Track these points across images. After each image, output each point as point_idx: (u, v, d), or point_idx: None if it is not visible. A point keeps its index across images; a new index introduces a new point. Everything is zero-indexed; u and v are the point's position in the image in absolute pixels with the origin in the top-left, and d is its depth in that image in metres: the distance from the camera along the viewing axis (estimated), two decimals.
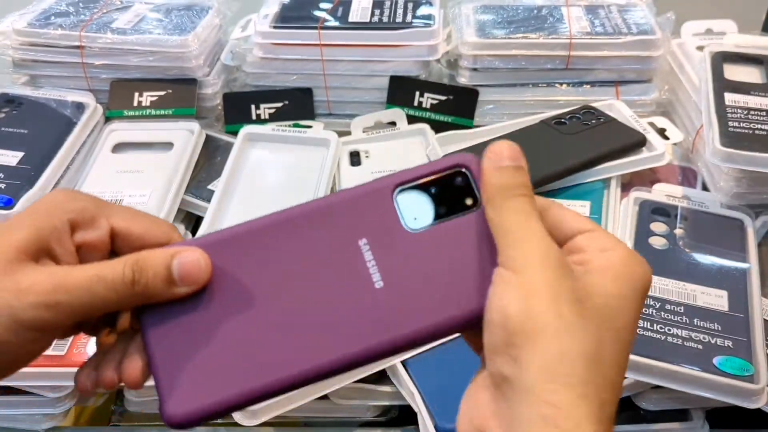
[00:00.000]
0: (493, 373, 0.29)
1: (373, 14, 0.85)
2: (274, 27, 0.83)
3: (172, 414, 0.30)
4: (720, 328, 0.57)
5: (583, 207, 0.69)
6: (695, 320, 0.58)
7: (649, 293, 0.59)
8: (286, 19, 0.85)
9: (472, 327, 0.31)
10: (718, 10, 0.92)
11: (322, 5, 0.87)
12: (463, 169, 0.32)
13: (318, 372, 0.30)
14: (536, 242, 0.30)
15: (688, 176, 0.77)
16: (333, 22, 0.84)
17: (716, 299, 0.60)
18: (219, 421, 0.60)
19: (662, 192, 0.71)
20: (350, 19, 0.84)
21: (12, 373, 0.32)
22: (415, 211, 0.32)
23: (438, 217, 0.32)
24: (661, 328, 0.57)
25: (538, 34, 0.83)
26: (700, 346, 0.56)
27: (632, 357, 0.54)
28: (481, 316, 0.30)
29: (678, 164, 0.78)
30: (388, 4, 0.87)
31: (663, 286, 0.60)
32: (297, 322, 0.31)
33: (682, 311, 0.58)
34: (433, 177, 0.33)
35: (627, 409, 0.59)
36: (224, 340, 0.31)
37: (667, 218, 0.67)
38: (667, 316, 0.58)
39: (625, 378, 0.56)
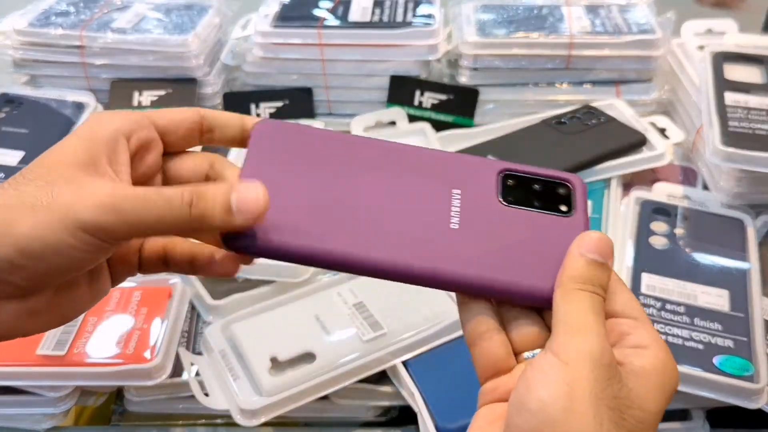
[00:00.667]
0: None
1: (373, 13, 0.85)
2: (274, 26, 0.83)
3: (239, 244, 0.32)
4: (720, 328, 0.57)
5: None
6: (696, 320, 0.58)
7: (651, 293, 0.59)
8: (286, 18, 0.85)
9: (518, 302, 0.33)
10: (718, 10, 0.92)
11: (322, 4, 0.87)
12: (569, 184, 0.35)
13: (378, 267, 0.32)
14: (593, 339, 0.29)
15: (688, 176, 0.77)
16: (333, 22, 0.84)
17: (717, 299, 0.59)
18: (218, 421, 0.60)
19: (663, 192, 0.71)
20: (350, 19, 0.84)
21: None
22: (513, 194, 0.35)
23: (530, 205, 0.35)
24: (661, 328, 0.57)
25: (539, 33, 0.83)
26: (700, 346, 0.56)
27: None
28: (536, 297, 0.32)
29: (678, 164, 0.78)
30: (388, 3, 0.87)
31: (663, 286, 0.60)
32: (377, 219, 0.33)
33: (682, 311, 0.58)
34: (540, 177, 0.36)
35: None
36: (314, 201, 0.33)
37: (667, 218, 0.67)
38: (668, 316, 0.58)
39: None
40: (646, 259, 0.63)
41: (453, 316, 0.60)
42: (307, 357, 0.58)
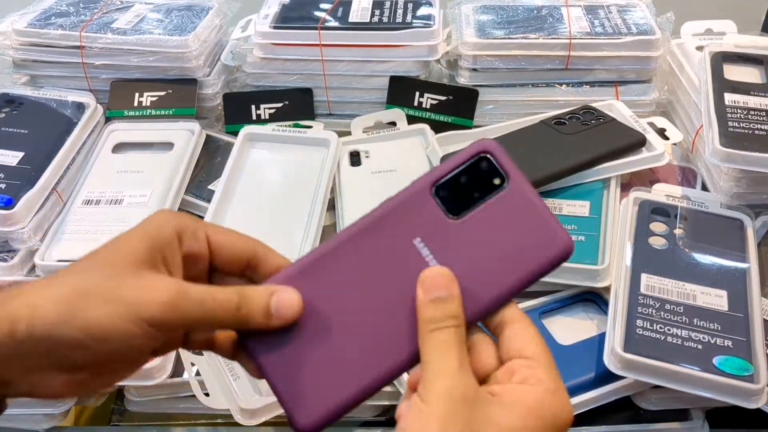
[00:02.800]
0: None
1: (373, 14, 0.85)
2: (274, 27, 0.83)
3: (304, 425, 0.35)
4: (720, 328, 0.57)
5: (582, 207, 0.69)
6: (695, 320, 0.58)
7: (649, 293, 0.59)
8: (286, 19, 0.85)
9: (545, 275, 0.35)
10: (717, 10, 0.92)
11: (322, 5, 0.87)
12: (485, 155, 0.36)
13: (415, 357, 0.35)
14: (444, 379, 0.33)
15: (687, 176, 0.77)
16: (333, 23, 0.84)
17: (716, 299, 0.60)
18: (219, 420, 0.61)
19: (662, 192, 0.71)
20: (350, 20, 0.84)
21: (130, 374, 0.37)
22: (453, 204, 0.36)
23: (472, 202, 0.36)
24: (660, 328, 0.57)
25: (538, 34, 0.83)
26: (699, 346, 0.56)
27: (632, 357, 0.54)
28: (555, 261, 0.35)
29: (678, 164, 0.78)
30: (388, 4, 0.87)
31: (662, 286, 0.60)
32: (382, 321, 0.36)
33: (681, 311, 0.58)
34: (460, 168, 0.36)
35: (627, 409, 0.59)
36: (327, 350, 0.36)
37: (666, 218, 0.67)
38: (667, 316, 0.58)
39: (625, 378, 0.56)
40: (645, 260, 0.63)
41: None
42: None
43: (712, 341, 0.56)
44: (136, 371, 0.38)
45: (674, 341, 0.56)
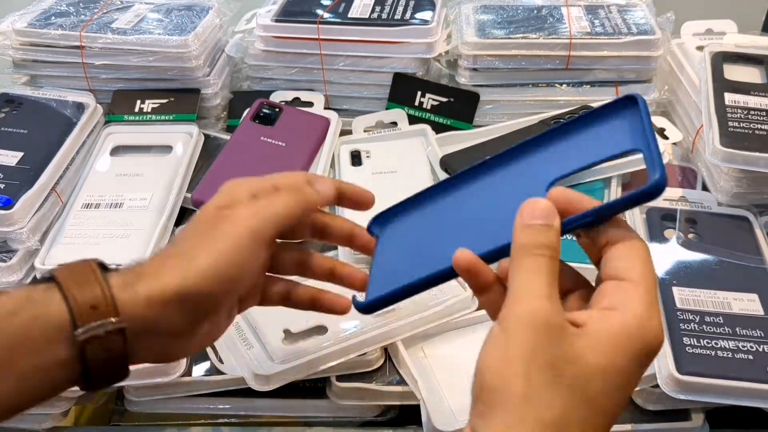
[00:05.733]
0: (470, 411, 0.32)
1: (373, 11, 0.86)
2: (276, 20, 0.84)
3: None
4: (763, 334, 0.56)
5: None
6: (737, 329, 0.56)
7: (686, 307, 0.58)
8: (288, 13, 0.86)
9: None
10: (718, 10, 0.92)
11: (324, 2, 0.88)
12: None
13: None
14: (529, 303, 0.31)
15: (687, 176, 0.77)
16: (332, 18, 0.84)
17: (750, 304, 0.58)
18: (220, 420, 0.61)
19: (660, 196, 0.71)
20: (350, 15, 0.85)
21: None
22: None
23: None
24: (707, 343, 0.55)
25: (538, 34, 0.83)
26: (750, 356, 0.54)
27: (690, 378, 0.53)
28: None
29: (678, 164, 0.78)
30: (389, 1, 0.88)
31: (696, 298, 0.59)
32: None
33: (722, 322, 0.57)
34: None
35: (627, 408, 0.59)
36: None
37: (677, 224, 0.67)
38: (710, 329, 0.56)
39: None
40: (671, 272, 0.62)
41: (459, 295, 0.62)
42: (319, 329, 0.60)
43: (760, 349, 0.55)
44: (227, 325, 0.43)
45: (725, 355, 0.54)
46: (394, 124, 0.84)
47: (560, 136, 0.41)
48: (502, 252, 0.35)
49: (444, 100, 0.84)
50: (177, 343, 0.40)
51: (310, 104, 0.85)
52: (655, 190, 0.34)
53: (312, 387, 0.60)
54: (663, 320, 0.56)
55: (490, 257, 0.36)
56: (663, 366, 0.54)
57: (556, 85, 0.84)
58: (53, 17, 0.85)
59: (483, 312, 0.63)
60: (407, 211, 0.46)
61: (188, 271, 0.38)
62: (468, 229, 0.40)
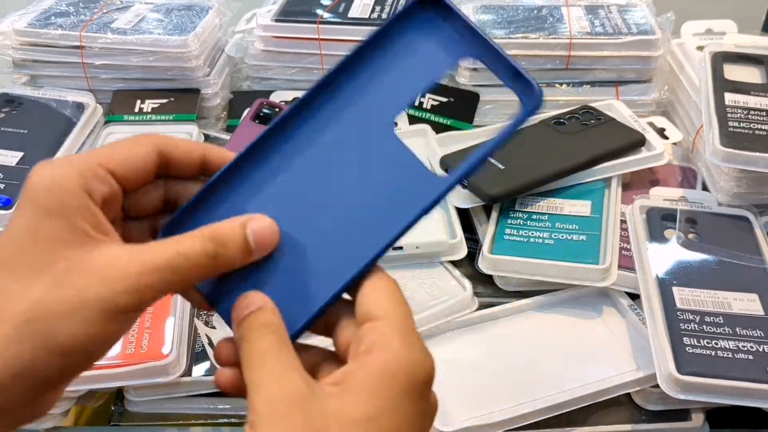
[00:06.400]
0: None
1: (373, 10, 0.86)
2: (276, 20, 0.84)
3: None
4: (763, 334, 0.56)
5: (584, 206, 0.69)
6: (737, 329, 0.56)
7: (686, 307, 0.58)
8: (287, 13, 0.87)
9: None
10: (718, 10, 0.92)
11: (324, 2, 0.88)
12: None
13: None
14: (266, 389, 0.28)
15: (687, 176, 0.77)
16: (332, 17, 0.85)
17: (750, 304, 0.58)
18: (223, 420, 0.61)
19: (660, 196, 0.71)
20: (350, 15, 0.86)
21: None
22: None
23: None
24: (708, 343, 0.55)
25: (538, 34, 0.83)
26: (750, 356, 0.54)
27: (690, 378, 0.52)
28: None
29: (678, 164, 0.78)
30: (389, 1, 0.88)
31: (696, 298, 0.59)
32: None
33: (722, 322, 0.57)
34: None
35: (627, 408, 0.59)
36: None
37: (678, 224, 0.67)
38: (710, 329, 0.56)
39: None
40: (671, 272, 0.61)
41: (459, 295, 0.62)
42: None
43: (760, 349, 0.55)
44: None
45: (725, 355, 0.54)
46: (395, 123, 0.84)
47: (366, 63, 0.34)
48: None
49: (444, 100, 0.84)
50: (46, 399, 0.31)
51: None
52: (537, 104, 0.31)
53: None
54: (663, 320, 0.56)
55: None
56: (663, 366, 0.54)
57: (556, 85, 0.84)
58: (53, 17, 0.85)
59: (483, 312, 0.64)
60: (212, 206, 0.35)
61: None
62: (333, 217, 0.33)
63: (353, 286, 0.32)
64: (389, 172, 0.33)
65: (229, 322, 0.33)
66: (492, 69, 0.33)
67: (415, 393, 0.29)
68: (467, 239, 0.67)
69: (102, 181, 0.31)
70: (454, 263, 0.66)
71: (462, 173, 0.32)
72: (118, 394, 0.62)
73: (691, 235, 0.66)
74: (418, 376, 0.29)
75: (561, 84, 0.84)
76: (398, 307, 0.30)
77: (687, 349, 0.55)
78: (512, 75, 0.32)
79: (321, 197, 0.33)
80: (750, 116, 0.70)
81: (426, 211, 0.32)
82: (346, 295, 0.33)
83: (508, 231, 0.67)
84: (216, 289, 0.34)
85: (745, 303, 0.59)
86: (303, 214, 0.33)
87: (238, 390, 0.31)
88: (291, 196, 0.34)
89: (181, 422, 0.60)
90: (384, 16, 0.85)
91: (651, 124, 0.80)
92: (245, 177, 0.34)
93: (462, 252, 0.66)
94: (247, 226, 0.32)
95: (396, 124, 0.34)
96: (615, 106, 0.81)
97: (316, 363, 0.32)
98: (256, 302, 0.31)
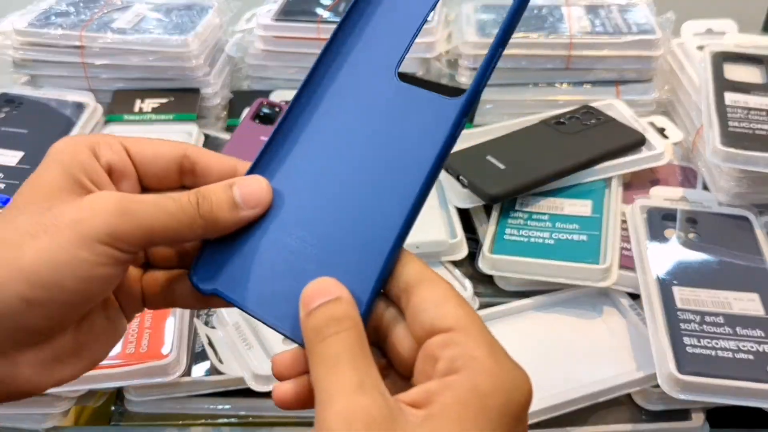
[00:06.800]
0: None
1: None
2: (276, 20, 0.84)
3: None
4: (763, 334, 0.56)
5: (584, 206, 0.69)
6: (737, 329, 0.56)
7: (687, 307, 0.58)
8: (288, 13, 0.87)
9: None
10: (718, 10, 0.92)
11: (324, 1, 0.88)
12: None
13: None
14: (340, 404, 0.25)
15: (688, 176, 0.77)
16: (332, 17, 0.85)
17: (750, 303, 0.58)
18: (223, 420, 0.61)
19: (660, 196, 0.71)
20: None
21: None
22: None
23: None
24: (708, 343, 0.55)
25: (539, 33, 0.83)
26: (750, 356, 0.54)
27: (691, 378, 0.52)
28: None
29: (678, 164, 0.78)
30: None
31: (697, 298, 0.59)
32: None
33: (722, 322, 0.57)
34: None
35: (627, 408, 0.59)
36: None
37: (677, 224, 0.67)
38: (711, 329, 0.56)
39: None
40: (671, 271, 0.61)
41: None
42: None
43: (761, 349, 0.55)
44: (117, 335, 0.32)
45: (725, 355, 0.54)
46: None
47: (359, 18, 0.34)
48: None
49: None
50: (24, 360, 0.28)
51: None
52: None
53: None
54: (663, 320, 0.56)
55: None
56: (663, 366, 0.54)
57: (557, 84, 0.84)
58: (53, 17, 0.85)
59: (483, 312, 0.63)
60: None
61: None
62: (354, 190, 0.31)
63: (403, 239, 0.30)
64: (404, 115, 0.32)
65: (260, 313, 0.31)
66: None
67: (512, 419, 0.25)
68: (467, 239, 0.67)
69: (112, 149, 0.31)
70: (455, 263, 0.66)
71: (474, 86, 0.33)
72: (118, 394, 0.62)
73: (691, 235, 0.66)
74: (515, 399, 0.25)
75: (561, 83, 0.84)
76: (472, 315, 0.27)
77: (687, 348, 0.55)
78: None
79: (345, 160, 0.32)
80: (750, 116, 0.70)
81: (453, 136, 0.32)
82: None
83: (508, 231, 0.67)
84: (241, 279, 0.31)
85: (746, 303, 0.59)
86: (330, 182, 0.32)
87: (302, 404, 0.29)
88: (314, 166, 0.32)
89: (181, 422, 0.60)
90: None
91: (651, 124, 0.80)
92: (271, 165, 0.33)
93: (462, 252, 0.66)
94: (235, 183, 0.31)
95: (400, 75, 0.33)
96: (615, 106, 0.81)
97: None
98: (332, 291, 0.28)
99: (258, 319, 0.31)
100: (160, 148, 0.32)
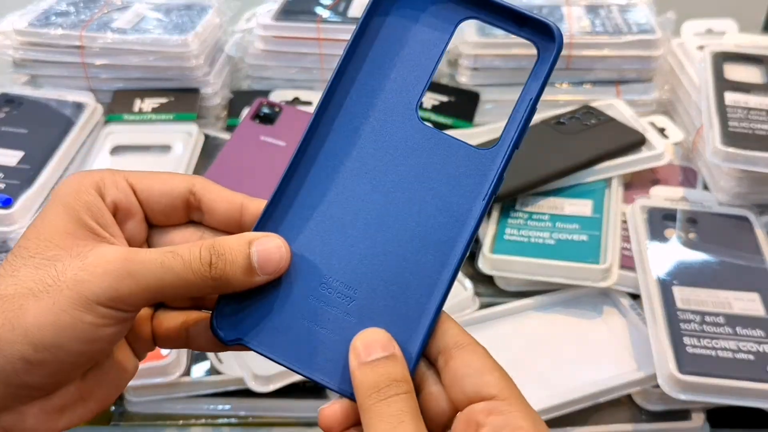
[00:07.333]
0: None
1: None
2: (276, 20, 0.85)
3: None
4: (764, 334, 0.56)
5: (585, 206, 0.69)
6: (737, 329, 0.56)
7: (687, 307, 0.58)
8: (287, 13, 0.87)
9: None
10: (718, 10, 0.92)
11: (324, 1, 0.88)
12: None
13: None
14: None
15: (688, 176, 0.77)
16: (332, 17, 0.85)
17: (750, 303, 0.59)
18: (223, 420, 0.61)
19: (660, 196, 0.71)
20: (349, 14, 0.86)
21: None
22: None
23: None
24: (708, 343, 0.55)
25: None
26: (751, 357, 0.54)
27: (691, 378, 0.52)
28: None
29: (678, 164, 0.78)
30: None
31: (697, 298, 0.59)
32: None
33: (723, 322, 0.57)
34: None
35: (627, 408, 0.59)
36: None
37: (678, 224, 0.67)
38: (711, 329, 0.56)
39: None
40: (671, 271, 0.62)
41: (459, 295, 0.62)
42: None
43: (761, 349, 0.55)
44: (126, 378, 0.31)
45: (725, 355, 0.54)
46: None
47: (366, 56, 0.32)
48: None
49: (445, 99, 0.84)
50: (31, 413, 0.28)
51: (310, 104, 0.85)
52: (560, 44, 0.30)
53: (312, 387, 0.60)
54: (664, 320, 0.56)
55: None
56: (663, 366, 0.54)
57: (557, 84, 0.84)
58: (53, 17, 0.85)
59: (484, 312, 0.63)
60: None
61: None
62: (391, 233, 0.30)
63: (447, 297, 0.30)
64: (437, 162, 0.31)
65: (296, 364, 0.30)
66: (496, 24, 0.31)
67: None
68: None
69: (117, 187, 0.31)
70: None
71: (513, 139, 0.32)
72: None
73: (691, 235, 0.66)
74: None
75: (561, 83, 0.84)
76: (515, 386, 0.28)
77: (687, 349, 0.55)
78: (520, 22, 0.31)
79: (376, 207, 0.31)
80: (750, 116, 0.70)
81: (494, 190, 0.31)
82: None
83: (508, 231, 0.67)
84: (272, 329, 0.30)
85: (746, 303, 0.59)
86: (362, 230, 0.31)
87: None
88: (341, 211, 0.31)
89: (181, 422, 0.60)
90: None
91: (651, 124, 0.80)
92: (285, 216, 0.31)
93: None
94: (253, 244, 0.29)
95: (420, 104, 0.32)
96: (615, 106, 0.81)
97: None
98: (387, 345, 0.28)
99: (295, 371, 0.30)
100: (166, 185, 0.32)
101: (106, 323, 0.27)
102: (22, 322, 0.26)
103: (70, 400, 0.29)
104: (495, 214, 0.69)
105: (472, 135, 0.80)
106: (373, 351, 0.28)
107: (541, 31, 0.31)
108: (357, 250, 0.30)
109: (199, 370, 0.60)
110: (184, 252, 0.28)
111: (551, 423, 0.56)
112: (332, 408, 0.29)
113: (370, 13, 0.32)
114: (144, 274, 0.27)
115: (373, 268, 0.30)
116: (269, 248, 0.29)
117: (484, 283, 0.67)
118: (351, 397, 0.29)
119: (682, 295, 0.59)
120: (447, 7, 0.32)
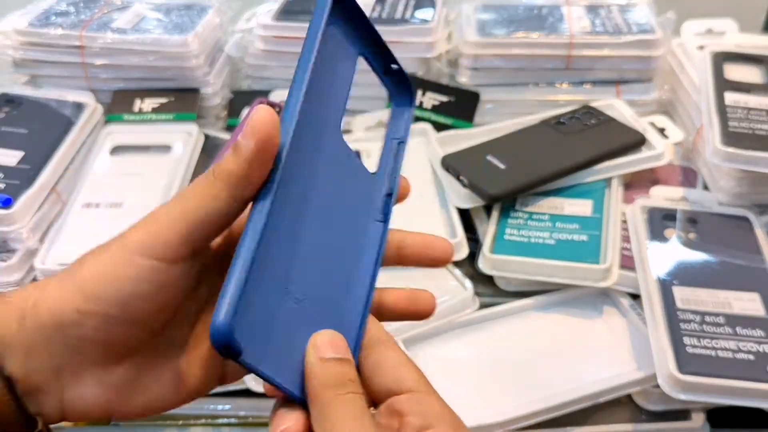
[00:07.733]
0: None
1: (374, 9, 0.86)
2: (276, 20, 0.85)
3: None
4: (764, 334, 0.56)
5: (585, 206, 0.69)
6: (737, 329, 0.56)
7: (687, 307, 0.58)
8: (288, 12, 0.87)
9: None
10: (718, 10, 0.92)
11: None
12: None
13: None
14: None
15: (688, 176, 0.77)
16: None
17: (750, 303, 0.58)
18: (223, 420, 0.61)
19: (660, 196, 0.71)
20: None
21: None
22: None
23: None
24: (708, 343, 0.55)
25: (539, 33, 0.83)
26: (751, 357, 0.54)
27: (691, 378, 0.52)
28: None
29: (678, 164, 0.78)
30: (389, 0, 0.88)
31: (697, 298, 0.59)
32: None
33: (723, 322, 0.57)
34: None
35: (627, 408, 0.59)
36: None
37: (678, 224, 0.67)
38: (711, 329, 0.56)
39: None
40: (671, 271, 0.62)
41: (459, 295, 0.62)
42: None
43: (761, 349, 0.55)
44: (183, 395, 0.33)
45: (725, 355, 0.54)
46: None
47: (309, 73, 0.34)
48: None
49: (444, 99, 0.84)
50: (91, 379, 0.31)
51: None
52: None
53: None
54: (664, 320, 0.56)
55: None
56: (663, 366, 0.54)
57: (557, 84, 0.84)
58: (53, 17, 0.85)
59: (484, 312, 0.63)
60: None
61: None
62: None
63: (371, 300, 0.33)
64: (350, 184, 0.35)
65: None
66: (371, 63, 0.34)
67: None
68: (468, 239, 0.67)
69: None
70: (455, 263, 0.66)
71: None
72: None
73: (691, 235, 0.66)
74: None
75: (561, 83, 0.84)
76: (427, 379, 0.30)
77: (687, 349, 0.55)
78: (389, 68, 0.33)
79: (315, 223, 0.32)
80: (750, 116, 0.70)
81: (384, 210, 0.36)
82: None
83: (508, 231, 0.67)
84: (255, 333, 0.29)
85: (746, 303, 0.59)
86: (308, 245, 0.32)
87: None
88: (298, 237, 0.32)
89: (181, 422, 0.60)
90: (384, 15, 0.84)
91: (651, 124, 0.80)
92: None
93: (463, 252, 0.66)
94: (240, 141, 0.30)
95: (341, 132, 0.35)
96: (615, 106, 0.81)
97: None
98: (342, 348, 0.29)
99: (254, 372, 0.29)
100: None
101: (145, 277, 0.29)
102: (77, 277, 0.30)
103: (124, 383, 0.31)
104: (495, 214, 0.69)
105: (472, 135, 0.80)
106: (333, 350, 0.29)
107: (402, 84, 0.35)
108: (306, 264, 0.31)
109: None
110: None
111: (551, 423, 0.56)
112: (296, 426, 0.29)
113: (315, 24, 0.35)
114: (184, 210, 0.31)
115: (317, 280, 0.32)
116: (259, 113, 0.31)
117: (484, 283, 0.67)
118: (297, 397, 0.29)
119: (682, 295, 0.59)
120: (352, 32, 0.37)
